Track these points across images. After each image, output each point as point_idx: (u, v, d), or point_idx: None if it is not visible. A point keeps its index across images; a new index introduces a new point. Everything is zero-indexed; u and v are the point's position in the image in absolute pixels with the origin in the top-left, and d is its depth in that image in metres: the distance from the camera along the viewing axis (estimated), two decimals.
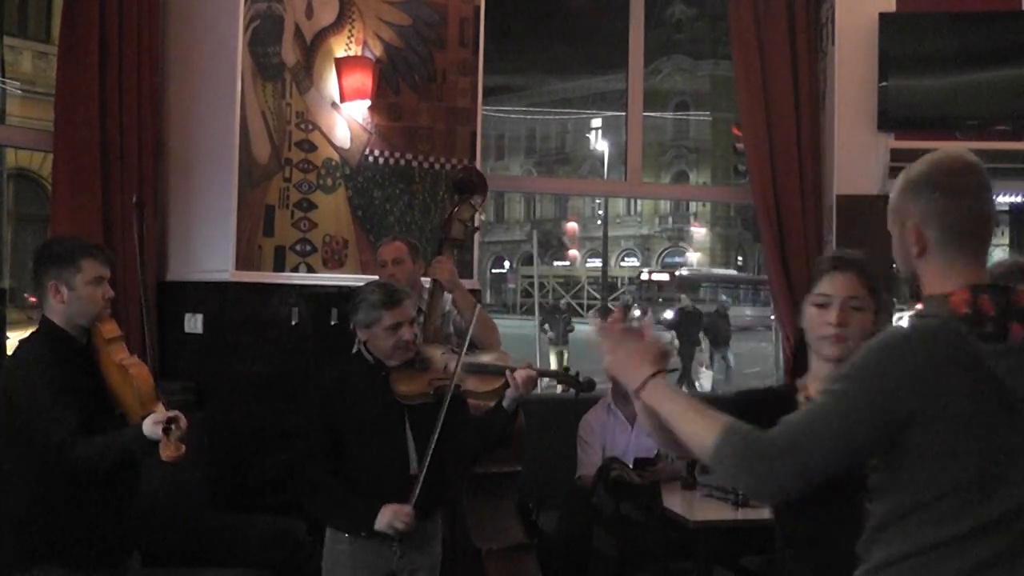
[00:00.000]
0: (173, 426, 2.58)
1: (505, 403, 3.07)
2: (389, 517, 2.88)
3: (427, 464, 2.92)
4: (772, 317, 5.38)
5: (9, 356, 3.21)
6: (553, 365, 15.33)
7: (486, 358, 3.24)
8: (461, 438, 3.09)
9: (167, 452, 2.55)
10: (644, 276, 31.18)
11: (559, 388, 3.48)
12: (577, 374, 3.23)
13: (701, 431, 1.67)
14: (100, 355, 2.83)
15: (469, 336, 3.18)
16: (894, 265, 1.84)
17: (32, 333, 2.91)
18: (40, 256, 2.82)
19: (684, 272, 29.89)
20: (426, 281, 4.14)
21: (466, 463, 3.34)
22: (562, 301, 22.79)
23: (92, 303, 2.78)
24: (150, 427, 2.62)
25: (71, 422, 2.65)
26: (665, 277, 29.31)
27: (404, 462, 2.99)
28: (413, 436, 3.01)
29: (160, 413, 2.66)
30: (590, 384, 3.24)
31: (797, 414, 1.68)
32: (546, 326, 17.78)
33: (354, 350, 3.30)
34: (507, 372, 3.08)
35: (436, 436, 2.93)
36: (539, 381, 3.18)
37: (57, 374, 2.71)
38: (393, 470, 2.98)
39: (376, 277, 4.11)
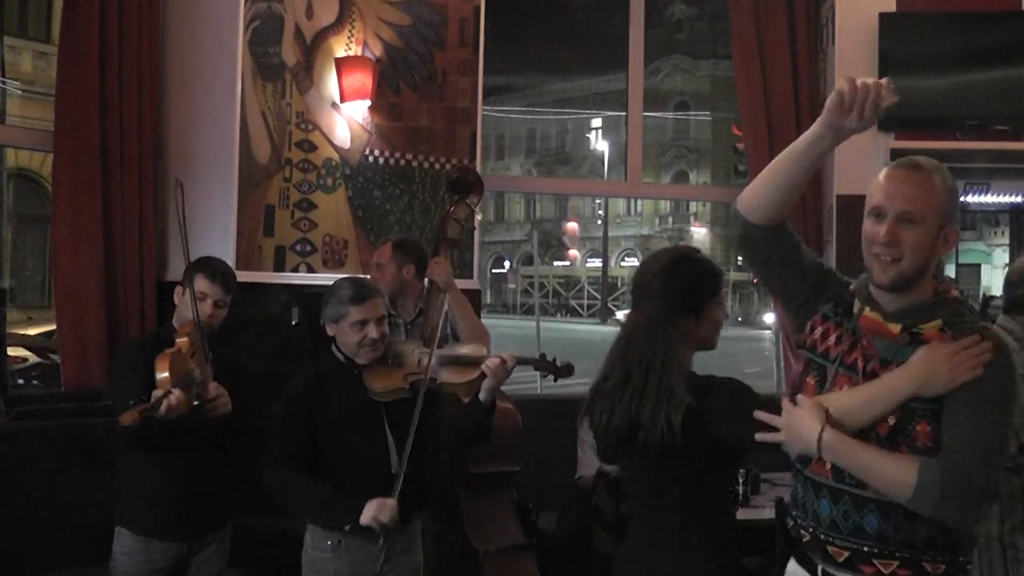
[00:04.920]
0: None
1: (482, 395, 2.96)
2: (374, 511, 2.82)
3: (406, 460, 2.87)
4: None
5: None
6: None
7: (462, 350, 3.17)
8: (440, 435, 3.03)
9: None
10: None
11: (538, 376, 3.36)
12: (555, 359, 3.11)
13: (899, 474, 1.80)
14: None
15: (440, 331, 3.13)
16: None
17: None
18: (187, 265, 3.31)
19: None
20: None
21: (444, 461, 3.28)
22: None
23: (191, 311, 3.19)
24: None
25: (130, 395, 2.84)
26: None
27: (385, 461, 2.94)
28: (392, 434, 2.97)
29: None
30: (568, 369, 3.10)
31: (969, 434, 1.78)
32: None
33: None
34: (483, 362, 2.96)
35: (413, 432, 2.88)
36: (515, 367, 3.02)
37: (152, 354, 2.94)
38: (374, 469, 2.92)
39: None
